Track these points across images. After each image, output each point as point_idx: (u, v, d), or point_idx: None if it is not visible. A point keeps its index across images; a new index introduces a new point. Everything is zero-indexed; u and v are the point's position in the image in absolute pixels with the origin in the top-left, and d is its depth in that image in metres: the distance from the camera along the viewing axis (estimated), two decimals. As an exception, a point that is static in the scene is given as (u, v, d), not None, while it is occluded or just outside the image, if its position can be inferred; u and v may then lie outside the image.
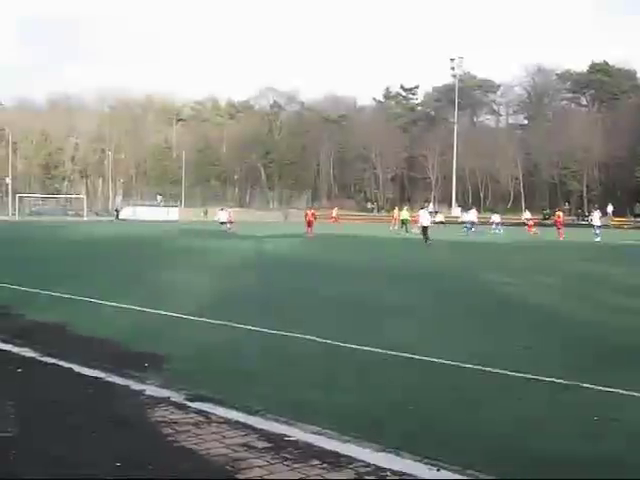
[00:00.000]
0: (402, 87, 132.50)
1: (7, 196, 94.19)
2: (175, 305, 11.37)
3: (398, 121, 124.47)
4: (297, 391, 6.23)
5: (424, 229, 36.22)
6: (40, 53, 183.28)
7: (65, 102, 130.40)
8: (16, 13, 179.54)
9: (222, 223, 51.25)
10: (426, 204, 61.75)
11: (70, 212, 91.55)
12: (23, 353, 7.53)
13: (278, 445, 4.69)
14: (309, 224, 46.06)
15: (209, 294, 13.53)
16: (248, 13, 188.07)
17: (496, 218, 55.20)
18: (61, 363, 7.00)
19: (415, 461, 4.44)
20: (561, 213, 48.26)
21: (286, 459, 4.43)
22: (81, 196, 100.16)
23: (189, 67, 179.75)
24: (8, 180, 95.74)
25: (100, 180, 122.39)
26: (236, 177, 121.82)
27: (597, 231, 41.96)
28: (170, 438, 4.80)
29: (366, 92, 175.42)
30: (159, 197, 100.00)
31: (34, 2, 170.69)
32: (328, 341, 8.46)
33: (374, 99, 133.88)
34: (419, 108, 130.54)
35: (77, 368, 6.80)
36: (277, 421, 5.23)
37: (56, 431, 4.84)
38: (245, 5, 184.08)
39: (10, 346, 7.89)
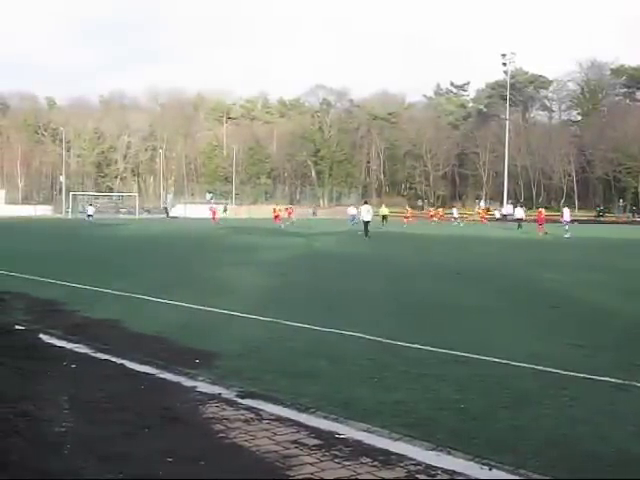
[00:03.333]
0: (452, 84, 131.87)
1: (61, 194, 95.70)
2: (225, 302, 11.42)
3: (449, 118, 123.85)
4: (347, 389, 6.20)
5: (365, 224, 38.66)
6: (95, 54, 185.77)
7: (118, 101, 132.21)
8: (76, 15, 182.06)
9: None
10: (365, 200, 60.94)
11: (122, 210, 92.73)
12: (77, 349, 7.62)
13: (328, 442, 4.67)
14: (276, 218, 57.29)
15: (260, 291, 13.58)
16: (299, 11, 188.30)
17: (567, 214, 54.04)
18: (114, 359, 7.07)
19: (466, 460, 4.39)
20: (543, 209, 52.24)
21: (336, 457, 4.41)
22: (133, 194, 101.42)
23: (240, 66, 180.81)
24: (62, 178, 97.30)
25: (151, 178, 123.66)
26: (286, 174, 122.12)
27: None
28: (221, 434, 4.81)
29: (416, 89, 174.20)
30: (209, 195, 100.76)
31: (93, 5, 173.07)
32: (379, 339, 8.43)
33: (424, 96, 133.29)
34: (470, 105, 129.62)
35: (129, 364, 6.86)
36: (327, 418, 5.21)
37: (109, 426, 4.87)
38: (296, 3, 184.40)
39: (64, 342, 7.99)
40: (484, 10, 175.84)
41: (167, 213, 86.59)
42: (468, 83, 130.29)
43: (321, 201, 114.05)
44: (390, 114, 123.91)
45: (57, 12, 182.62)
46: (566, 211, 46.59)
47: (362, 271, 18.84)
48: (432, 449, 4.57)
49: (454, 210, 76.77)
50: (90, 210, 71.81)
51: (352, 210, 61.66)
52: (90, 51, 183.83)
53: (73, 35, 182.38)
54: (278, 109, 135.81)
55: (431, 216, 74.31)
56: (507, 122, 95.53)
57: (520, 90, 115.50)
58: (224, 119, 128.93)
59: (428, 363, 7.31)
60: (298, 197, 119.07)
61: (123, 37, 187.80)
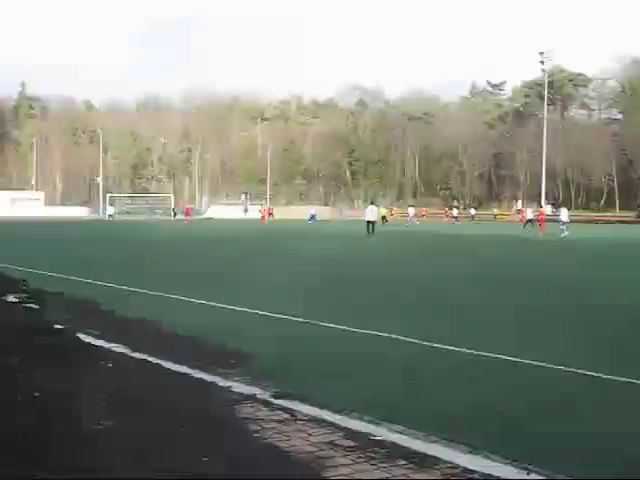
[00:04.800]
0: (489, 83, 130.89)
1: (98, 195, 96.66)
2: (260, 302, 11.44)
3: (485, 117, 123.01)
4: (383, 390, 6.19)
5: (369, 223, 39.65)
6: (132, 57, 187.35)
7: (153, 103, 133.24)
8: (115, 19, 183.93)
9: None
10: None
11: (158, 211, 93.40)
12: (114, 348, 7.69)
13: (363, 444, 4.65)
14: (263, 219, 68.47)
15: (293, 292, 13.61)
16: (332, 12, 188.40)
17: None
18: (150, 359, 7.12)
19: (504, 464, 4.34)
20: (544, 209, 53.70)
21: (372, 458, 4.40)
22: (168, 195, 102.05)
23: (274, 67, 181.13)
24: (99, 180, 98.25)
25: (187, 179, 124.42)
26: (320, 175, 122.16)
27: None
28: (256, 435, 4.83)
29: (451, 88, 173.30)
30: (243, 196, 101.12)
31: (131, 9, 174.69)
32: (414, 340, 8.39)
33: (460, 95, 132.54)
34: (507, 104, 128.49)
35: (165, 364, 6.90)
36: (362, 420, 5.20)
37: (145, 425, 4.91)
38: (329, 4, 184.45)
39: (102, 342, 8.06)
40: (521, 7, 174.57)
41: (174, 214, 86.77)
42: (505, 82, 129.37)
43: (355, 202, 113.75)
44: (425, 114, 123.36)
45: (96, 17, 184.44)
46: (564, 211, 46.86)
47: (388, 273, 18.79)
48: (469, 452, 4.53)
49: (454, 210, 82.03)
50: (110, 210, 72.52)
51: (312, 210, 71.81)
52: (126, 55, 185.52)
53: (111, 39, 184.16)
54: (312, 110, 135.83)
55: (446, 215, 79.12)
56: (545, 121, 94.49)
57: (558, 88, 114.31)
58: (258, 120, 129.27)
59: (465, 365, 7.26)
60: (333, 198, 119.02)
61: (159, 40, 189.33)
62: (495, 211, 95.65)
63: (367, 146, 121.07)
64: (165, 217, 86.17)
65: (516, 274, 18.30)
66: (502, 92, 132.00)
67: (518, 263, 23.10)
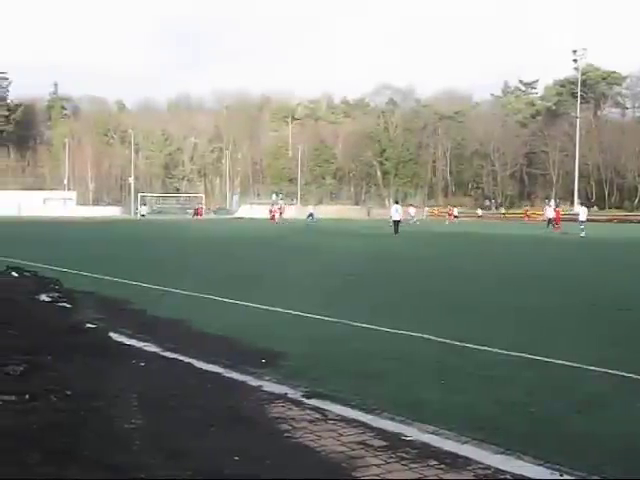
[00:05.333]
0: (521, 81, 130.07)
1: (130, 195, 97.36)
2: (290, 302, 11.45)
3: (517, 116, 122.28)
4: (414, 390, 6.16)
5: (395, 223, 40.67)
6: (163, 57, 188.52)
7: (184, 103, 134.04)
8: (145, 20, 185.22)
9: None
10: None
11: (189, 211, 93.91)
12: (146, 348, 7.73)
13: (395, 444, 4.63)
14: (273, 218, 70.65)
15: (323, 291, 13.60)
16: (364, 11, 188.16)
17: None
18: (181, 358, 7.15)
19: (536, 465, 4.30)
20: (560, 209, 54.41)
21: (403, 458, 4.38)
22: (199, 195, 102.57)
23: (304, 66, 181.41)
24: (131, 180, 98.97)
25: (218, 179, 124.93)
26: (351, 175, 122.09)
27: None
28: (287, 434, 4.82)
29: (483, 87, 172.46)
30: (274, 195, 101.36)
31: (162, 9, 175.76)
32: (445, 340, 8.35)
33: (491, 94, 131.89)
34: (539, 102, 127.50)
35: (196, 363, 6.92)
36: (394, 420, 5.18)
37: (176, 424, 4.92)
38: (361, 3, 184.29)
39: (134, 341, 8.11)
40: (553, 6, 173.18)
41: (196, 214, 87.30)
42: (537, 80, 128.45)
43: (386, 201, 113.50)
44: (457, 113, 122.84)
45: (127, 17, 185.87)
46: (582, 210, 46.66)
47: (416, 271, 18.73)
48: (501, 453, 4.50)
49: (455, 209, 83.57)
50: (143, 209, 73.21)
51: (311, 209, 72.72)
52: (158, 55, 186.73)
53: (142, 39, 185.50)
54: (343, 109, 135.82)
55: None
56: (578, 120, 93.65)
57: (591, 87, 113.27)
58: (289, 120, 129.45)
59: (496, 365, 7.21)
60: (363, 197, 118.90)
61: (190, 40, 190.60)
62: (503, 210, 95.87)
63: (398, 145, 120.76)
64: (196, 217, 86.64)
65: (537, 274, 18.15)
66: (534, 91, 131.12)
67: (537, 262, 22.93)
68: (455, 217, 77.96)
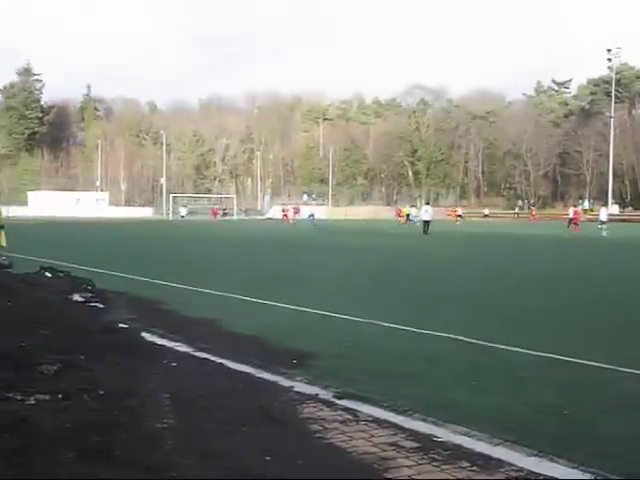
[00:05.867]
0: (554, 81, 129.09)
1: (161, 196, 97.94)
2: (320, 302, 11.46)
3: (550, 116, 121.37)
4: (445, 391, 6.13)
5: (425, 223, 41.37)
6: (195, 58, 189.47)
7: (216, 104, 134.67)
8: (177, 22, 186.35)
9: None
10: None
11: (220, 211, 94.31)
12: (177, 348, 7.76)
13: (426, 445, 4.62)
14: (285, 218, 74.20)
15: (353, 291, 13.60)
16: (395, 10, 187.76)
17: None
18: (212, 358, 7.17)
19: (570, 467, 4.26)
20: (579, 208, 54.45)
21: (435, 460, 4.36)
22: (231, 195, 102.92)
23: (336, 66, 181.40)
24: (162, 181, 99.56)
25: (249, 180, 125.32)
26: (382, 175, 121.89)
27: None
28: (318, 435, 4.82)
29: (516, 87, 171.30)
30: (305, 196, 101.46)
31: (193, 11, 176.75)
32: (475, 341, 8.31)
33: (524, 94, 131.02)
34: (572, 102, 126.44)
35: (228, 363, 6.94)
36: (425, 421, 5.16)
37: (208, 424, 4.94)
38: (392, 2, 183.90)
39: (166, 341, 8.15)
40: (587, 4, 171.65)
41: (225, 214, 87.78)
42: (570, 80, 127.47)
43: (418, 201, 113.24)
44: (489, 113, 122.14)
45: (159, 19, 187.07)
46: (602, 211, 47.04)
47: (446, 271, 18.65)
48: (534, 455, 4.46)
49: (458, 209, 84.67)
50: (183, 211, 73.97)
51: (311, 210, 74.69)
52: (189, 56, 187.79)
53: (174, 41, 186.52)
54: (374, 109, 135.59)
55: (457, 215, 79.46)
56: (612, 119, 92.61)
57: (626, 86, 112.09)
58: (320, 120, 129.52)
59: (527, 366, 7.16)
60: (395, 198, 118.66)
61: (221, 41, 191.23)
62: (516, 210, 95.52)
63: (430, 146, 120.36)
64: (227, 217, 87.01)
65: (566, 273, 18.00)
66: (567, 90, 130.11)
67: (557, 261, 22.74)
68: (459, 217, 77.54)
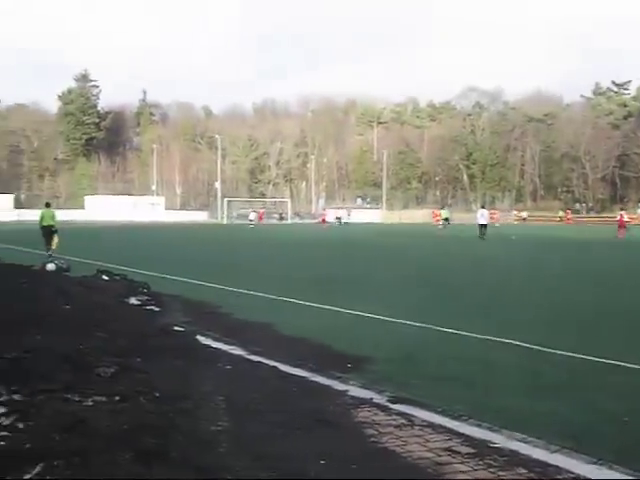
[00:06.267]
0: (613, 82, 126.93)
1: (216, 200, 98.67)
2: (375, 306, 11.42)
3: (609, 118, 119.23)
4: (501, 397, 6.06)
5: (481, 227, 40.98)
6: (249, 63, 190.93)
7: (270, 108, 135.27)
8: (231, 30, 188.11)
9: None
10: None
11: (274, 215, 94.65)
12: (231, 351, 7.81)
13: (482, 451, 4.57)
14: (323, 221, 75.78)
15: (407, 295, 13.54)
16: (449, 12, 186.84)
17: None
18: (266, 361, 7.19)
19: (630, 476, 4.17)
20: (624, 212, 51.82)
21: (491, 466, 4.31)
22: (285, 199, 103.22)
23: (390, 70, 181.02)
24: (217, 185, 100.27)
25: (303, 183, 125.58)
26: (437, 179, 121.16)
27: None
28: (373, 439, 4.80)
29: (573, 89, 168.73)
30: (359, 200, 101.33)
31: (245, 19, 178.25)
32: (531, 346, 8.20)
33: (582, 96, 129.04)
34: (632, 103, 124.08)
35: (282, 367, 6.95)
36: (480, 426, 5.10)
37: (262, 427, 4.95)
38: (445, 4, 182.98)
39: (220, 344, 8.20)
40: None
41: (282, 218, 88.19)
42: (629, 81, 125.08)
43: (473, 205, 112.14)
44: (546, 115, 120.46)
45: (214, 24, 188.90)
46: None
47: (503, 276, 18.44)
48: (592, 463, 4.38)
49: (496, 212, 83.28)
50: (252, 215, 75.29)
51: (340, 213, 77.43)
52: (244, 61, 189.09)
53: (228, 46, 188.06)
54: (428, 113, 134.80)
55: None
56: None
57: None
58: (374, 124, 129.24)
59: (585, 372, 7.05)
60: (449, 201, 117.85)
61: (276, 45, 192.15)
62: (561, 213, 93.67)
63: (485, 149, 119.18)
64: (282, 221, 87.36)
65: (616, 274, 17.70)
66: (626, 91, 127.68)
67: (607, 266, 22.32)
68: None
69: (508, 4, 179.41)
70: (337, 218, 74.20)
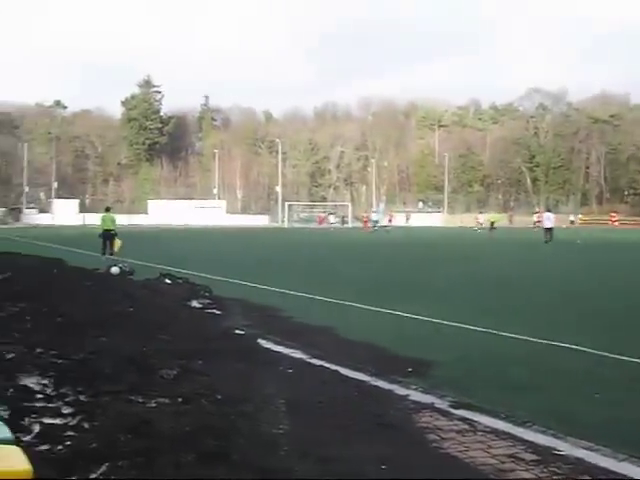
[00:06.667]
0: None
1: (277, 204, 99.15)
2: (435, 310, 11.34)
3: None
4: (566, 403, 5.96)
5: (547, 230, 40.41)
6: (310, 68, 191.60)
7: (331, 112, 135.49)
8: (292, 36, 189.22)
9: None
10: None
11: (335, 219, 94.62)
12: (293, 354, 7.83)
13: (546, 459, 4.49)
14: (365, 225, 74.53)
15: (469, 299, 13.42)
16: (508, 14, 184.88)
17: None
18: (328, 365, 7.19)
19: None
20: None
21: (555, 474, 4.24)
22: (346, 203, 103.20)
23: (452, 72, 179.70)
24: (278, 188, 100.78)
25: (364, 187, 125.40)
26: (499, 182, 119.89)
27: None
28: (434, 444, 4.76)
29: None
30: (421, 203, 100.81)
31: (303, 25, 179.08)
32: (601, 352, 8.03)
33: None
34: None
35: (342, 370, 6.95)
36: (545, 433, 5.02)
37: (323, 430, 4.94)
38: (505, 5, 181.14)
39: (281, 347, 8.24)
40: None
41: (343, 222, 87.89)
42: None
43: (536, 208, 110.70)
44: (612, 117, 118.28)
45: (273, 29, 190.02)
46: None
47: (569, 281, 18.14)
48: (662, 473, 4.27)
49: (481, 216, 78.86)
50: (332, 219, 76.35)
51: (374, 216, 72.55)
52: (304, 64, 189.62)
53: (289, 50, 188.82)
54: (491, 115, 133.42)
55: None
56: None
57: None
58: (436, 127, 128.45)
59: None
60: (512, 205, 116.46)
61: (336, 49, 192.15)
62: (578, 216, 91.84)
63: (548, 151, 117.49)
64: (344, 225, 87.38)
65: None
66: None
67: None
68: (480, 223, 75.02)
69: (572, 3, 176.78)
70: (374, 222, 69.08)
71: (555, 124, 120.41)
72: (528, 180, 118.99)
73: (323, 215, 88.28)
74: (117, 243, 23.65)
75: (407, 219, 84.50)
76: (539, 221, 74.63)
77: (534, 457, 4.52)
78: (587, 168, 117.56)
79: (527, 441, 4.84)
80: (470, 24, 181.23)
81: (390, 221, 75.43)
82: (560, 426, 5.15)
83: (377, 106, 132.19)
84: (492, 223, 61.56)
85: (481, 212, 78.35)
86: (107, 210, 26.43)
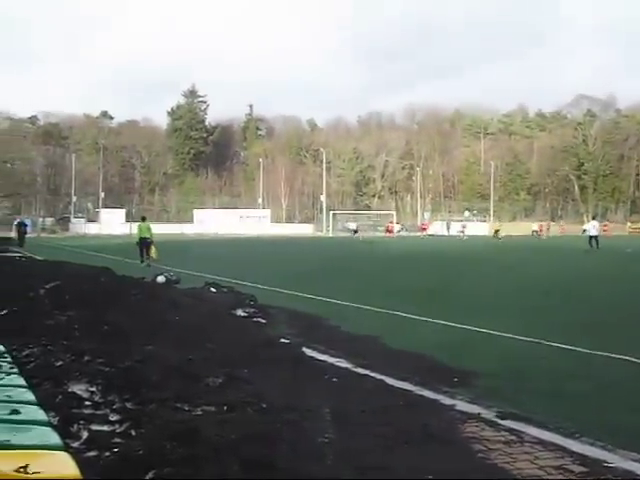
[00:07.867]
0: None
1: (321, 213, 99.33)
2: (479, 319, 11.26)
3: None
4: (616, 414, 5.86)
5: (592, 238, 40.81)
6: (356, 77, 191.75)
7: (375, 121, 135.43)
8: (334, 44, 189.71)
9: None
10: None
11: (380, 228, 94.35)
12: (338, 363, 7.82)
13: (595, 470, 4.42)
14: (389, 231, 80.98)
15: (513, 308, 13.30)
16: (558, 20, 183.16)
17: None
18: (373, 374, 7.17)
19: None
20: None
21: (604, 486, 4.17)
22: (391, 212, 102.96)
23: (498, 79, 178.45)
24: (322, 198, 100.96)
25: (408, 196, 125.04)
26: (546, 190, 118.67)
27: None
28: (481, 455, 4.72)
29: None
30: (467, 212, 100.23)
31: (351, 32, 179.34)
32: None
33: None
34: None
35: (388, 380, 6.92)
36: (593, 445, 4.94)
37: (369, 440, 4.92)
38: (555, 12, 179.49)
39: (326, 356, 8.23)
40: None
41: (355, 232, 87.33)
42: None
43: (584, 217, 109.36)
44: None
45: (319, 38, 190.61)
46: None
47: (614, 290, 17.86)
48: None
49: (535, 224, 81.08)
50: (397, 227, 78.12)
51: (397, 226, 79.20)
52: (348, 73, 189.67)
53: (333, 59, 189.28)
54: (538, 122, 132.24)
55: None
56: None
57: None
58: (481, 135, 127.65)
59: None
60: (560, 213, 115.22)
61: (381, 57, 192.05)
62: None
63: (597, 159, 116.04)
64: (388, 234, 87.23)
65: None
66: None
67: None
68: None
69: (618, 8, 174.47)
70: (400, 229, 71.42)
71: (604, 131, 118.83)
72: (576, 188, 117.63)
73: (391, 225, 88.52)
74: (153, 250, 24.42)
75: (463, 228, 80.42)
76: (539, 230, 74.72)
77: (582, 469, 4.45)
78: (637, 175, 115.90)
79: (575, 452, 4.77)
80: (516, 31, 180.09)
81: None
82: (608, 437, 5.06)
83: (422, 114, 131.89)
84: (496, 231, 61.76)
85: (541, 221, 78.06)
86: (143, 219, 28.74)
